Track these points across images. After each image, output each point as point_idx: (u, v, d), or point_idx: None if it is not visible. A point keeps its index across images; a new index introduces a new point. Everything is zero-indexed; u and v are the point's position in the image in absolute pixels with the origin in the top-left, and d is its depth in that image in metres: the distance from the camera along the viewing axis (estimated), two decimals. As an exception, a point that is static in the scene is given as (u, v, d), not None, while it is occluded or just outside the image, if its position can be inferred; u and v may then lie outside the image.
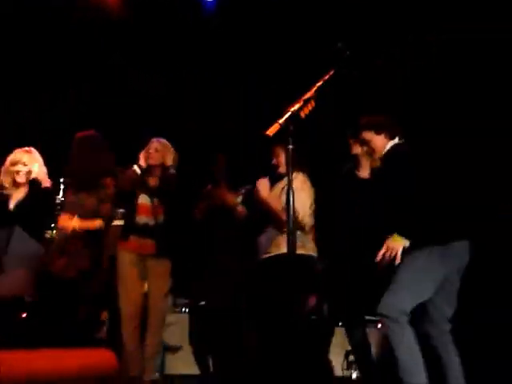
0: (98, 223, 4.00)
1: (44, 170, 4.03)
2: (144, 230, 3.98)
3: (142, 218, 4.01)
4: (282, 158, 3.84)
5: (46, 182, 4.03)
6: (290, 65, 5.75)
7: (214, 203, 4.13)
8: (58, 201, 4.41)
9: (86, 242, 3.92)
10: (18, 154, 3.95)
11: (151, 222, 4.00)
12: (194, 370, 4.15)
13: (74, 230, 3.93)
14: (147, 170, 4.08)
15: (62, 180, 4.51)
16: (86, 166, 4.00)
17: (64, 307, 3.84)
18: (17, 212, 3.88)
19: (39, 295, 3.89)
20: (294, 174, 3.43)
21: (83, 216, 3.96)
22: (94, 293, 3.95)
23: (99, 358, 1.85)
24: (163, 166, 4.11)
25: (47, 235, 4.16)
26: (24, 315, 3.94)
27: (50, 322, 3.79)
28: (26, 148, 4.00)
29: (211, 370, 4.01)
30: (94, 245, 3.95)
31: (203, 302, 4.07)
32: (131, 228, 4.02)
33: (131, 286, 4.00)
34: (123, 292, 3.99)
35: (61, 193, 4.51)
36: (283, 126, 2.56)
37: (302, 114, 2.59)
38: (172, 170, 4.15)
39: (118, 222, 4.31)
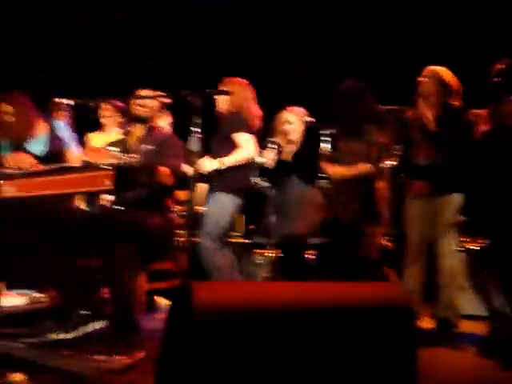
0: (367, 167, 4.16)
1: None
2: (419, 171, 4.06)
3: (417, 160, 4.08)
4: None
5: None
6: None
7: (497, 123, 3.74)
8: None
9: (359, 186, 4.14)
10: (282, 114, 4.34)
11: (425, 162, 4.03)
12: (479, 311, 4.01)
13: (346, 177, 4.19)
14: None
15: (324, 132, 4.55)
16: (354, 113, 4.17)
17: (349, 247, 4.13)
18: (292, 162, 4.26)
19: (327, 236, 4.27)
20: None
21: (355, 162, 4.18)
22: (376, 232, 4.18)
23: (391, 291, 1.94)
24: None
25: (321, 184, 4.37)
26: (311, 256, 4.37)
27: (339, 260, 4.14)
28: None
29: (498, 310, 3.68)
30: (366, 188, 4.16)
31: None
32: (408, 170, 4.15)
33: (412, 227, 4.11)
34: (407, 231, 4.13)
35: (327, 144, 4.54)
36: None
37: None
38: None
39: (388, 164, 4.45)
